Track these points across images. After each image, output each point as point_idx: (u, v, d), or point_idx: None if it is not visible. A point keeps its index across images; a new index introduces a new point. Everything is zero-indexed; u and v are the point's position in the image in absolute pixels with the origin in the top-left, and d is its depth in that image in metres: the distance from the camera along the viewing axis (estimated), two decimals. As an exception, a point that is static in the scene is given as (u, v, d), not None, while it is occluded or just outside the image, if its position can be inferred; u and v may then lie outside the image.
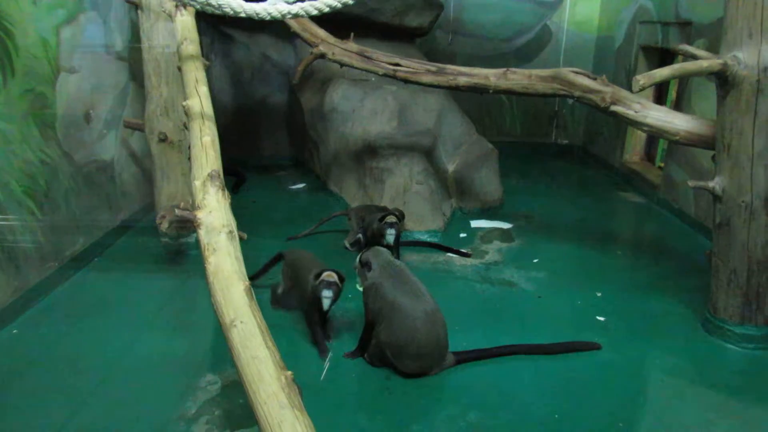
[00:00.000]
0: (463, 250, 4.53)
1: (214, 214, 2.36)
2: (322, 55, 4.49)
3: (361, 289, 3.10)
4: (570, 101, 8.19)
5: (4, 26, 3.31)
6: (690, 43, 5.07)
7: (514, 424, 2.65)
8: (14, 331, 3.30)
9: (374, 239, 4.16)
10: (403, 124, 5.26)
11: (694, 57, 3.21)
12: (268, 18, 2.45)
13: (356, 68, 4.48)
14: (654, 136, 4.21)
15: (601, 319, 3.61)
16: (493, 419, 2.67)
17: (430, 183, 5.05)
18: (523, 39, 8.14)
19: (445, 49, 8.00)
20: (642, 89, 3.10)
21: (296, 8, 2.43)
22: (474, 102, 7.33)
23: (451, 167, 5.47)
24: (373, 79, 5.49)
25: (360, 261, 3.10)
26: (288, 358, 2.03)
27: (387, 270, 3.03)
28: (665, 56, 6.33)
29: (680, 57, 5.88)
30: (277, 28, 6.38)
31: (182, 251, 4.34)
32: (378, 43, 5.49)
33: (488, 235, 4.98)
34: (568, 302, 3.85)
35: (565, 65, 8.08)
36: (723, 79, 3.11)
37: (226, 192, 2.53)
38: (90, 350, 3.15)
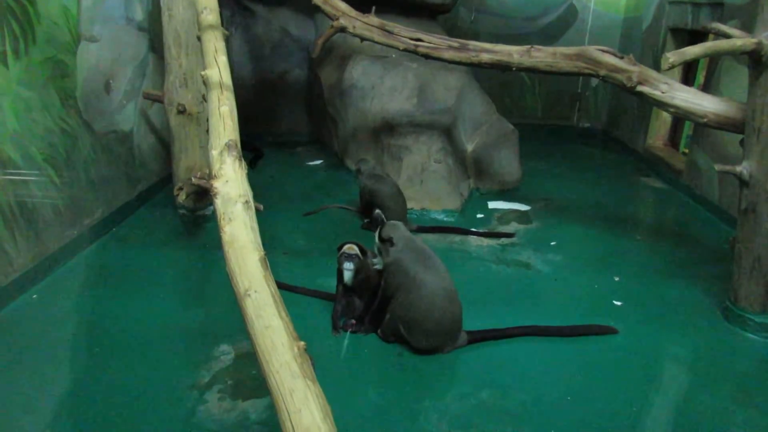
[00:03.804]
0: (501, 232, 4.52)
1: (231, 183, 2.35)
2: (343, 29, 4.42)
3: (380, 267, 3.06)
4: (593, 83, 8.08)
5: (26, -8, 3.31)
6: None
7: (525, 405, 2.63)
8: (33, 296, 3.35)
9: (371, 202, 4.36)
10: (422, 101, 5.19)
11: (727, 36, 3.10)
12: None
13: (377, 43, 4.41)
14: (681, 118, 4.10)
15: (618, 303, 3.56)
16: (505, 399, 2.66)
17: (449, 162, 5.00)
18: (547, 18, 7.97)
19: (468, 27, 7.87)
20: (672, 67, 3.00)
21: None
22: (495, 82, 7.23)
23: (470, 147, 5.41)
24: (394, 55, 5.42)
25: (380, 237, 3.03)
26: (301, 330, 2.03)
27: (408, 244, 3.00)
28: (694, 38, 6.13)
29: (711, 38, 5.71)
30: (297, 1, 6.33)
31: (199, 223, 4.36)
32: (399, 19, 5.37)
33: (505, 216, 4.93)
34: (585, 286, 3.79)
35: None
36: (756, 60, 3.00)
37: (243, 162, 2.51)
38: (107, 318, 3.20)
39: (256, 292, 1.97)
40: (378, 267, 3.06)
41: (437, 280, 2.91)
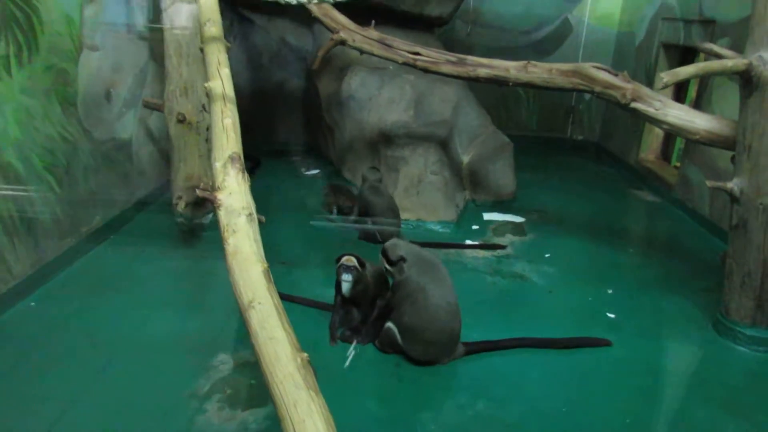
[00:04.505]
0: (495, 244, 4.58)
1: (234, 196, 2.39)
2: (343, 42, 4.48)
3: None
4: (587, 97, 8.19)
5: (30, 2, 3.33)
6: (713, 42, 5.01)
7: (522, 415, 2.67)
8: (32, 303, 3.36)
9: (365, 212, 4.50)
10: (419, 113, 5.25)
11: (719, 56, 3.18)
12: (295, 3, 2.45)
13: (376, 56, 4.47)
14: (673, 134, 4.18)
15: (612, 316, 3.61)
16: (501, 410, 2.70)
17: (445, 174, 5.05)
18: (542, 32, 8.08)
19: (464, 39, 7.96)
20: (666, 86, 3.07)
21: (322, -7, 2.43)
22: (491, 95, 7.31)
23: (465, 159, 5.47)
24: (391, 67, 5.47)
25: (390, 261, 2.99)
26: (301, 341, 2.06)
27: (416, 258, 3.02)
28: (687, 54, 6.26)
29: (702, 55, 5.82)
30: (296, 12, 6.37)
31: (197, 232, 4.38)
32: (397, 31, 5.45)
33: (500, 228, 4.98)
34: (579, 298, 3.85)
35: (585, 60, 8.04)
36: (747, 80, 3.08)
37: (246, 175, 2.55)
38: (105, 325, 3.21)
39: (260, 303, 2.00)
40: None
41: (443, 292, 2.95)
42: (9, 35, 3.18)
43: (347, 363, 3.01)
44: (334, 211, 4.82)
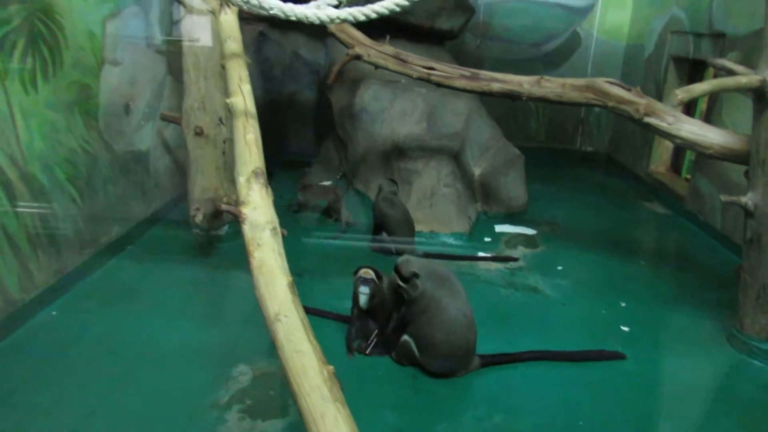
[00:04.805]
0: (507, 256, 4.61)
1: (259, 210, 2.44)
2: (358, 57, 4.55)
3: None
4: (597, 109, 8.22)
5: (56, 18, 3.42)
6: (723, 56, 5.05)
7: (538, 428, 2.69)
8: (53, 313, 3.42)
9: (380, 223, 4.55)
10: (431, 126, 5.30)
11: (731, 72, 3.22)
12: (317, 22, 2.51)
13: (391, 71, 4.53)
14: (686, 148, 4.21)
15: (626, 329, 3.63)
16: (518, 422, 2.72)
17: (457, 186, 5.10)
18: (551, 45, 8.14)
19: (474, 52, 8.03)
20: (681, 104, 3.11)
21: (344, 13, 2.49)
22: (501, 106, 7.32)
23: (477, 171, 5.51)
24: (403, 80, 5.54)
25: (403, 278, 2.99)
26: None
27: (429, 273, 3.04)
28: (696, 67, 6.29)
29: (711, 69, 5.85)
30: (309, 27, 6.46)
31: (213, 243, 4.43)
32: (408, 45, 5.53)
33: (512, 240, 5.01)
34: (593, 311, 3.87)
35: (594, 73, 8.10)
36: (760, 95, 3.11)
37: (269, 189, 2.60)
38: (124, 336, 3.27)
39: (285, 316, 2.04)
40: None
41: (459, 305, 2.99)
42: (35, 51, 3.27)
43: (369, 350, 3.14)
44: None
